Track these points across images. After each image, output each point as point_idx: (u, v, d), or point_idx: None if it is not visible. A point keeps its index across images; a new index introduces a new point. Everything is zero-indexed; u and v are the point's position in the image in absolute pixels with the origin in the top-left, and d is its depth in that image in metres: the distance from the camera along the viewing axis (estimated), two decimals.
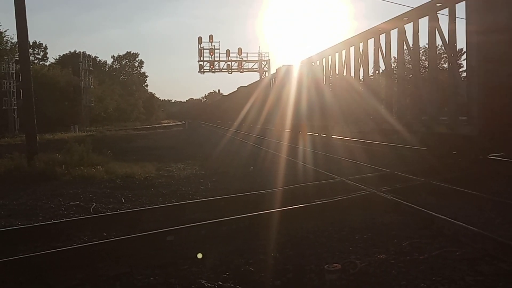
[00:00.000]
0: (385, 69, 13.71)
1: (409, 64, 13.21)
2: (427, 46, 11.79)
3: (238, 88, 41.23)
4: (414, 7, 11.97)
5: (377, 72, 14.12)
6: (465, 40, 9.38)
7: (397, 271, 4.06)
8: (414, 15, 11.77)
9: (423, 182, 7.78)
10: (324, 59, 17.86)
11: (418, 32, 11.54)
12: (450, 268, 4.06)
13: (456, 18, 9.98)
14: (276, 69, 27.29)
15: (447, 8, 10.07)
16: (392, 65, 13.67)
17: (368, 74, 14.47)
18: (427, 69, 13.35)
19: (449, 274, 3.94)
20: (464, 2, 9.53)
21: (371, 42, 14.38)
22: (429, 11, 10.87)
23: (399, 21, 12.48)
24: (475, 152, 9.64)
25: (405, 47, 12.24)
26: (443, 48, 11.59)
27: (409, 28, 12.15)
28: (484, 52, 8.75)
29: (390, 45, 13.06)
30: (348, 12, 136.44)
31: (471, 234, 4.70)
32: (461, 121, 9.60)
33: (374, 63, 14.10)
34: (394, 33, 12.82)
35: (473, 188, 6.99)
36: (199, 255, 4.68)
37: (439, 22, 10.78)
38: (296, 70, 21.17)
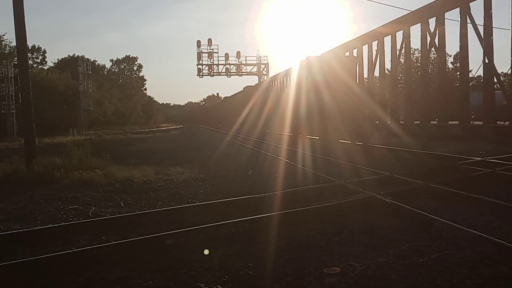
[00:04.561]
0: (381, 72, 13.79)
1: (414, 68, 13.35)
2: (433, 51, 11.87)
3: (224, 98, 42.46)
4: (413, 10, 12.05)
5: (375, 75, 14.19)
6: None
7: (396, 274, 4.05)
8: (410, 19, 11.84)
9: (422, 185, 7.77)
10: (326, 61, 17.89)
11: (427, 35, 11.55)
12: (450, 271, 4.05)
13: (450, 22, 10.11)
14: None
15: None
16: (391, 68, 13.73)
17: (372, 76, 14.53)
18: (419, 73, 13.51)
19: (448, 277, 3.94)
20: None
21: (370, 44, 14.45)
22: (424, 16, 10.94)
23: (397, 25, 12.54)
24: None
25: (403, 51, 12.31)
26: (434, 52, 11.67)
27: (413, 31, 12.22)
28: None
29: (384, 49, 13.18)
30: (347, 16, 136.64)
31: (471, 237, 4.70)
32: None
33: (369, 66, 14.18)
34: (390, 37, 12.90)
35: (472, 191, 6.99)
36: (206, 251, 4.77)
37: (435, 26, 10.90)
38: (295, 72, 21.21)
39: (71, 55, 76.30)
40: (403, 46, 12.39)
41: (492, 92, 9.92)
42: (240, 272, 4.28)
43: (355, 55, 15.76)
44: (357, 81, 16.06)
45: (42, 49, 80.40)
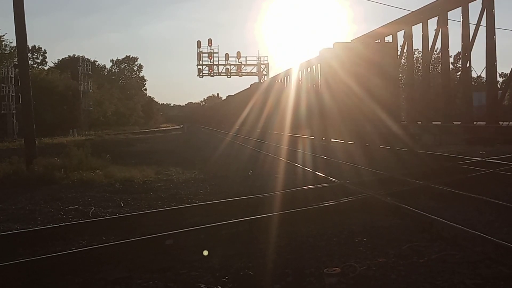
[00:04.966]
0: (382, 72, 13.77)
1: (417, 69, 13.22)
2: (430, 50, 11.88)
3: (227, 97, 41.66)
4: (413, 10, 12.06)
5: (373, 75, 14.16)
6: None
7: (396, 275, 4.05)
8: (410, 20, 11.84)
9: (422, 185, 7.77)
10: (326, 62, 17.82)
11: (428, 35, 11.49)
12: (450, 272, 4.05)
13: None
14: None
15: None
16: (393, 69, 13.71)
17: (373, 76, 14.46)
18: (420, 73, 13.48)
19: (448, 277, 3.94)
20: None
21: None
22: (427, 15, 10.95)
23: (398, 25, 12.54)
24: None
25: (405, 51, 12.32)
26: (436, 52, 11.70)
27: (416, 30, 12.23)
28: None
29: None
30: (347, 16, 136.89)
31: (471, 237, 4.70)
32: None
33: (371, 66, 14.15)
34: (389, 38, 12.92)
35: (472, 191, 6.99)
36: (205, 252, 4.76)
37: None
38: (295, 72, 21.19)
39: (71, 55, 76.48)
40: (405, 46, 12.39)
41: (495, 92, 9.91)
42: (240, 273, 4.28)
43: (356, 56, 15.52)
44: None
45: (42, 49, 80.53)
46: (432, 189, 7.49)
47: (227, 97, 41.78)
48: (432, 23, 11.40)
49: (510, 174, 8.65)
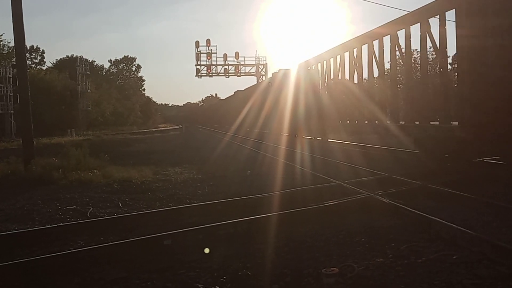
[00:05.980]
0: (379, 72, 13.79)
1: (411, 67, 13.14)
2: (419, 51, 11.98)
3: (235, 92, 40.97)
4: (410, 10, 12.07)
5: (372, 75, 14.19)
6: (456, 44, 9.63)
7: (394, 275, 4.06)
8: (408, 20, 11.86)
9: (420, 186, 7.78)
10: (325, 62, 17.85)
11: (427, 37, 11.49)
12: (448, 272, 4.06)
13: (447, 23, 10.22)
14: (272, 73, 26.12)
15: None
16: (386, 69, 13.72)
17: (372, 76, 14.46)
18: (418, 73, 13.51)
19: (447, 277, 3.94)
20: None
21: (366, 46, 14.49)
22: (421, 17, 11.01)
23: (397, 25, 12.55)
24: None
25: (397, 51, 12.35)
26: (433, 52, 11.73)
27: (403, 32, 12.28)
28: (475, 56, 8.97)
29: (383, 49, 13.21)
30: (346, 16, 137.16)
31: (469, 237, 4.70)
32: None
33: (368, 66, 14.18)
34: (388, 38, 12.94)
35: (470, 191, 6.99)
36: (206, 250, 4.77)
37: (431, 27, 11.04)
38: (294, 73, 21.14)
39: (69, 55, 76.51)
40: (403, 47, 12.41)
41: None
42: (238, 273, 4.28)
43: (354, 56, 15.56)
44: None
45: (41, 49, 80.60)
46: (430, 189, 7.51)
47: (235, 92, 40.39)
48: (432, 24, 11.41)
49: (509, 174, 8.66)
